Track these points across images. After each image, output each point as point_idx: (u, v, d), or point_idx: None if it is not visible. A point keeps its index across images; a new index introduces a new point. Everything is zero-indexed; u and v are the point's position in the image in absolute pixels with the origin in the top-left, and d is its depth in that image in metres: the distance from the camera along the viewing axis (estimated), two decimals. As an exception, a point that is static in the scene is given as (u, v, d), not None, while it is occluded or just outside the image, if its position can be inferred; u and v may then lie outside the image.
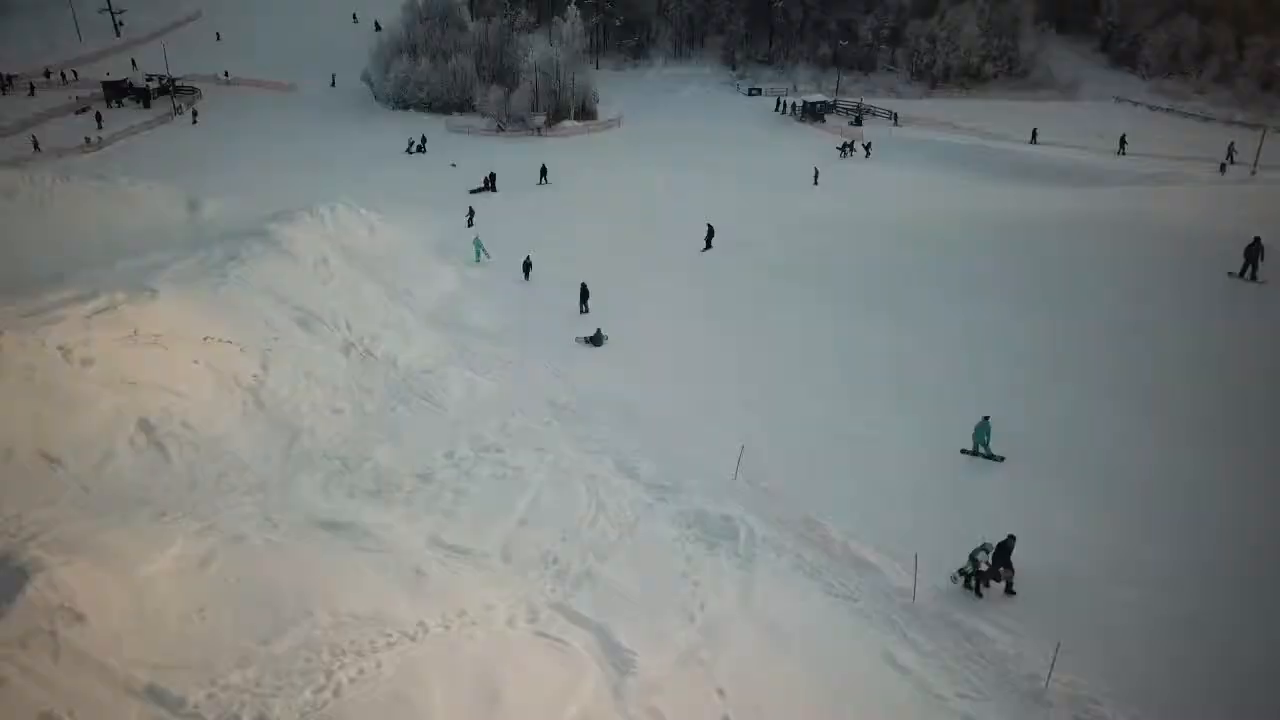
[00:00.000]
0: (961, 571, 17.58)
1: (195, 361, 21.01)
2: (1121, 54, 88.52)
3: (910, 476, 21.75)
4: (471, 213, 45.63)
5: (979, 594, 17.34)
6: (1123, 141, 57.48)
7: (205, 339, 21.94)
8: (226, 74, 78.48)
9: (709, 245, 40.28)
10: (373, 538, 15.74)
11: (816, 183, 52.93)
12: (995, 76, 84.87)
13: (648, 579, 16.92)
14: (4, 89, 73.18)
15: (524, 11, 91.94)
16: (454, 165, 56.84)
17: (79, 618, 11.35)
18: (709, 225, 40.41)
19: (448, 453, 21.46)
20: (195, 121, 70.17)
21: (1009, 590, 17.38)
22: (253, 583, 13.29)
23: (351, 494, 18.81)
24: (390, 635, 12.86)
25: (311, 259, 31.54)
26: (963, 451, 22.79)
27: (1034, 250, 34.45)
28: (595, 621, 15.12)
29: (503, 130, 69.36)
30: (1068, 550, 18.55)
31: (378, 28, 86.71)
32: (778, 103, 75.65)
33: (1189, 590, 17.32)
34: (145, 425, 18.37)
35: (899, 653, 15.71)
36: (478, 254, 38.78)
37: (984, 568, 17.23)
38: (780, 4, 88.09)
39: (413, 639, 12.99)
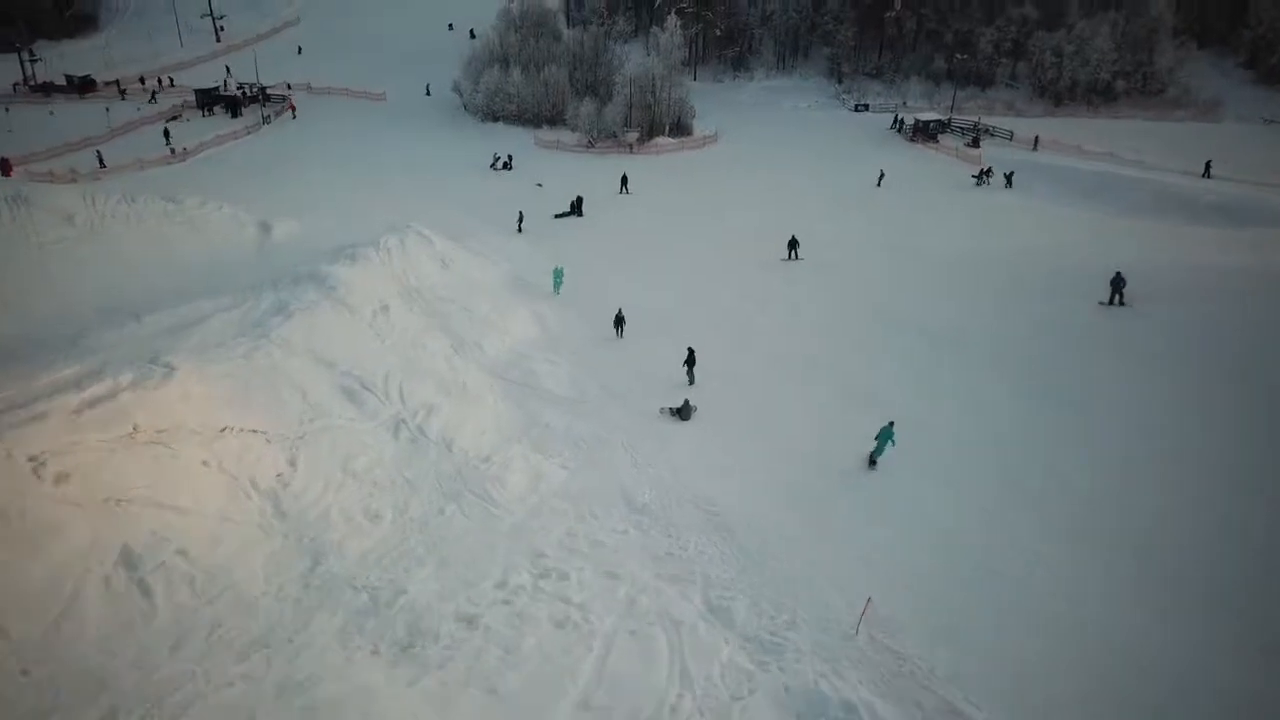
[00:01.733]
0: None
1: (205, 463, 17.54)
2: (1270, 70, 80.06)
3: (1093, 643, 16.99)
4: (521, 217, 44.26)
5: None
6: None
7: (223, 430, 18.52)
8: (289, 85, 76.82)
9: (793, 256, 40.10)
10: (385, 754, 11.90)
11: (880, 184, 52.11)
12: (1127, 94, 77.61)
13: (744, 818, 12.74)
14: (121, 95, 73.49)
15: (621, 20, 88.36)
16: (540, 185, 53.60)
17: None
18: (793, 236, 40.32)
19: (500, 581, 17.59)
20: (294, 117, 70.73)
21: None
22: None
23: (376, 649, 15.06)
24: None
25: (370, 309, 28.11)
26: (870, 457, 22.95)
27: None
28: None
29: (593, 146, 65.79)
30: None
31: (472, 36, 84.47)
32: (894, 119, 70.20)
33: None
34: (128, 558, 14.83)
35: None
36: (557, 285, 35.91)
37: None
38: (894, 14, 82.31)
39: None
